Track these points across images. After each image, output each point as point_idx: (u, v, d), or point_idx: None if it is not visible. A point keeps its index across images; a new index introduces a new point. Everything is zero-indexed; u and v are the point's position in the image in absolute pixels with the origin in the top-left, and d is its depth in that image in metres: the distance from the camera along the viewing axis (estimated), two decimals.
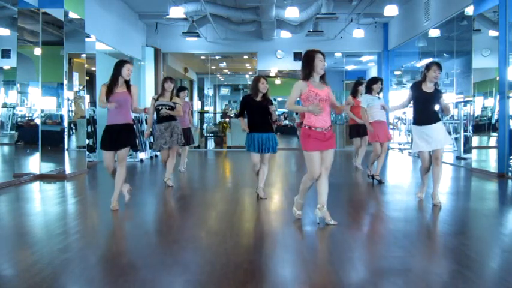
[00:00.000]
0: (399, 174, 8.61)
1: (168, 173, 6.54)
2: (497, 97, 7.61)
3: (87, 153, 8.98)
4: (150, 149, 10.70)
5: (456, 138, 10.23)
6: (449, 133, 10.84)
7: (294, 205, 4.52)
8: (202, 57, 16.17)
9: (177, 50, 14.57)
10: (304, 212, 4.47)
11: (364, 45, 14.06)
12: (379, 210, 5.24)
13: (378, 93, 6.80)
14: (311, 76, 4.20)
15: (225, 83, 22.13)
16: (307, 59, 4.22)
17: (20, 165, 7.48)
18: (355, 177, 7.57)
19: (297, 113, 4.01)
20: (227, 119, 15.95)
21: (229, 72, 20.57)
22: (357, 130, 7.90)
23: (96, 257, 3.46)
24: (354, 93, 7.88)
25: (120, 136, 4.89)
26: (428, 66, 5.12)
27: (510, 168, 7.25)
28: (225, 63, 18.36)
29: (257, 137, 5.38)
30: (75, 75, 8.42)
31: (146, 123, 8.41)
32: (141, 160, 10.26)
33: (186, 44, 14.01)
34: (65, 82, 7.70)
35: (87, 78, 9.57)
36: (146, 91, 12.84)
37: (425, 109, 5.08)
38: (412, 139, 5.31)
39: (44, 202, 5.94)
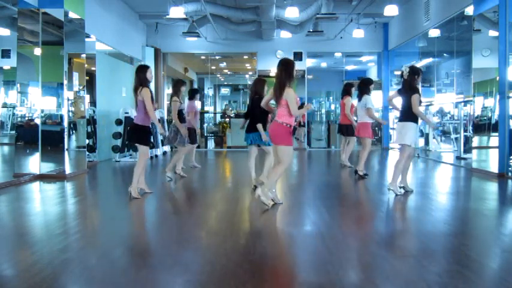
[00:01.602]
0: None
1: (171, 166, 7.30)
2: (497, 97, 7.61)
3: (87, 153, 8.98)
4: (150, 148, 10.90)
5: (456, 138, 10.23)
6: (449, 133, 10.87)
7: (264, 197, 4.78)
8: (202, 57, 16.16)
9: (177, 50, 14.57)
10: (303, 213, 4.47)
11: (364, 45, 14.07)
12: (379, 210, 5.24)
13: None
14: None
15: (225, 83, 22.14)
16: (291, 68, 4.71)
17: (20, 165, 7.48)
18: (354, 177, 7.57)
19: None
20: (227, 119, 15.94)
21: (229, 72, 20.57)
22: (348, 129, 8.42)
23: (96, 257, 3.46)
24: (350, 94, 8.40)
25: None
26: (418, 72, 5.50)
27: (510, 168, 7.25)
28: (225, 63, 18.36)
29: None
30: (75, 75, 8.42)
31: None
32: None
33: (186, 44, 14.01)
34: (65, 82, 7.70)
35: (87, 78, 9.56)
36: None
37: None
38: (413, 135, 5.57)
39: (44, 202, 5.94)
